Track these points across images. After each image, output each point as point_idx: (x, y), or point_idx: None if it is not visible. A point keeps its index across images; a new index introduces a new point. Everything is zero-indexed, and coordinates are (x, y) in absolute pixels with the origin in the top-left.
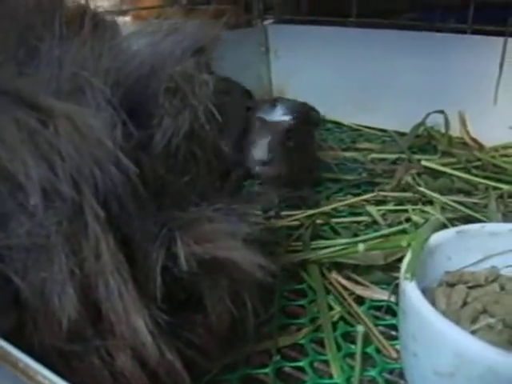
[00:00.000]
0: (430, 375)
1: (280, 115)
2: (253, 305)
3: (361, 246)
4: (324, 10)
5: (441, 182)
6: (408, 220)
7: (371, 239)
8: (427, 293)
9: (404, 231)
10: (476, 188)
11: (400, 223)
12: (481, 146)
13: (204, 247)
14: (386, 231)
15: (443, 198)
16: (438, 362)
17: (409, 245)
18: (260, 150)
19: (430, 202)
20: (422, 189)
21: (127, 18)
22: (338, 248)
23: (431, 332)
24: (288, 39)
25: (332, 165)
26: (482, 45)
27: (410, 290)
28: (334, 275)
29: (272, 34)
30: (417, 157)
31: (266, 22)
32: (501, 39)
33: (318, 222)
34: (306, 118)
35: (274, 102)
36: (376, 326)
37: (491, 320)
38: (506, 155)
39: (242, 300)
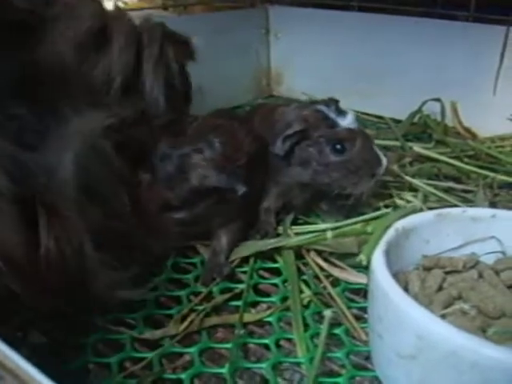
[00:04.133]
0: (394, 358)
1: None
2: None
3: (329, 234)
4: None
5: (427, 168)
6: (389, 206)
7: (352, 224)
8: (401, 275)
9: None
10: (468, 177)
11: (381, 208)
12: (474, 136)
13: None
14: (367, 216)
15: (427, 187)
16: (401, 344)
17: (374, 230)
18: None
19: (416, 190)
20: (407, 177)
21: None
22: (311, 235)
23: (395, 312)
24: (289, 21)
25: None
26: (484, 33)
27: (379, 270)
28: (313, 256)
29: (273, 15)
30: (410, 144)
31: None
32: (503, 28)
33: None
34: None
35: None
36: (349, 308)
37: (465, 306)
38: (501, 146)
39: None
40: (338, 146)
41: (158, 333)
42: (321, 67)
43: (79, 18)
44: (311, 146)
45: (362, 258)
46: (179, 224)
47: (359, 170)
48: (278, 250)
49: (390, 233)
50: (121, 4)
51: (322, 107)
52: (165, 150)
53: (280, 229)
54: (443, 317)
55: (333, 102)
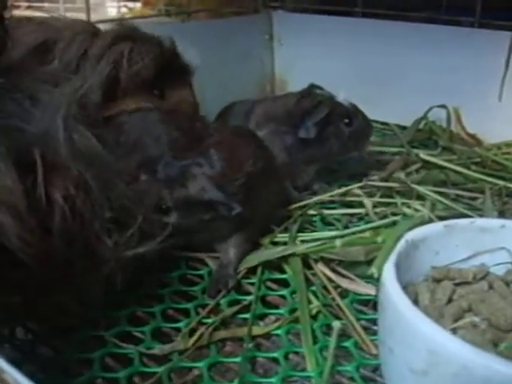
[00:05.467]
0: (406, 372)
1: None
2: None
3: (338, 242)
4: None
5: (434, 175)
6: (397, 214)
7: (359, 232)
8: (410, 287)
9: (395, 224)
10: (475, 184)
11: (388, 216)
12: (478, 142)
13: None
14: (375, 224)
15: (434, 195)
16: (413, 358)
17: (384, 241)
18: None
19: (423, 197)
20: (414, 185)
21: (138, 5)
22: (318, 242)
23: (406, 327)
24: (293, 27)
25: None
26: (489, 39)
27: (389, 283)
28: (320, 266)
29: (277, 21)
30: (416, 151)
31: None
32: (508, 34)
33: (310, 213)
34: None
35: None
36: (358, 320)
37: (475, 318)
38: (508, 153)
39: None
40: (347, 120)
41: (167, 348)
42: (325, 73)
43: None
44: (329, 124)
45: (374, 270)
46: (165, 228)
47: (364, 135)
48: (285, 259)
49: (401, 245)
50: (124, 10)
51: (321, 91)
52: (168, 159)
53: (286, 236)
54: (454, 330)
55: (317, 87)
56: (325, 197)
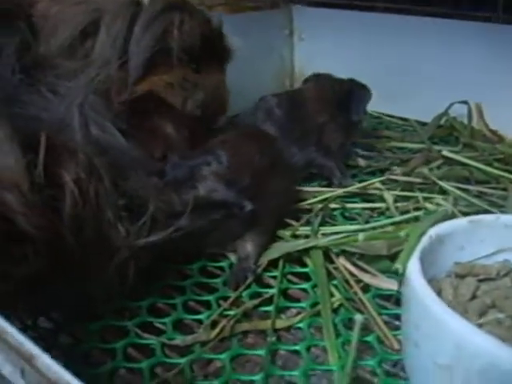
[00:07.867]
0: (430, 366)
1: None
2: None
3: (360, 236)
4: None
5: (456, 171)
6: (419, 209)
7: (380, 227)
8: (434, 282)
9: (417, 219)
10: (497, 181)
11: (410, 211)
12: (500, 138)
13: None
14: (397, 218)
15: (457, 191)
16: (439, 352)
17: (407, 236)
18: None
19: (446, 193)
20: (438, 180)
21: None
22: (340, 236)
23: (433, 321)
24: (313, 22)
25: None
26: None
27: (415, 278)
28: (342, 261)
29: (297, 16)
30: (437, 148)
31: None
32: None
33: (330, 206)
34: None
35: None
36: (380, 314)
37: (500, 315)
38: None
39: None
40: None
41: (189, 339)
42: (345, 68)
43: (59, 29)
44: None
45: (399, 266)
46: (177, 232)
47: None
48: (306, 252)
49: (425, 240)
50: None
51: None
52: (176, 160)
53: (307, 229)
54: (480, 326)
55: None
56: (346, 190)
